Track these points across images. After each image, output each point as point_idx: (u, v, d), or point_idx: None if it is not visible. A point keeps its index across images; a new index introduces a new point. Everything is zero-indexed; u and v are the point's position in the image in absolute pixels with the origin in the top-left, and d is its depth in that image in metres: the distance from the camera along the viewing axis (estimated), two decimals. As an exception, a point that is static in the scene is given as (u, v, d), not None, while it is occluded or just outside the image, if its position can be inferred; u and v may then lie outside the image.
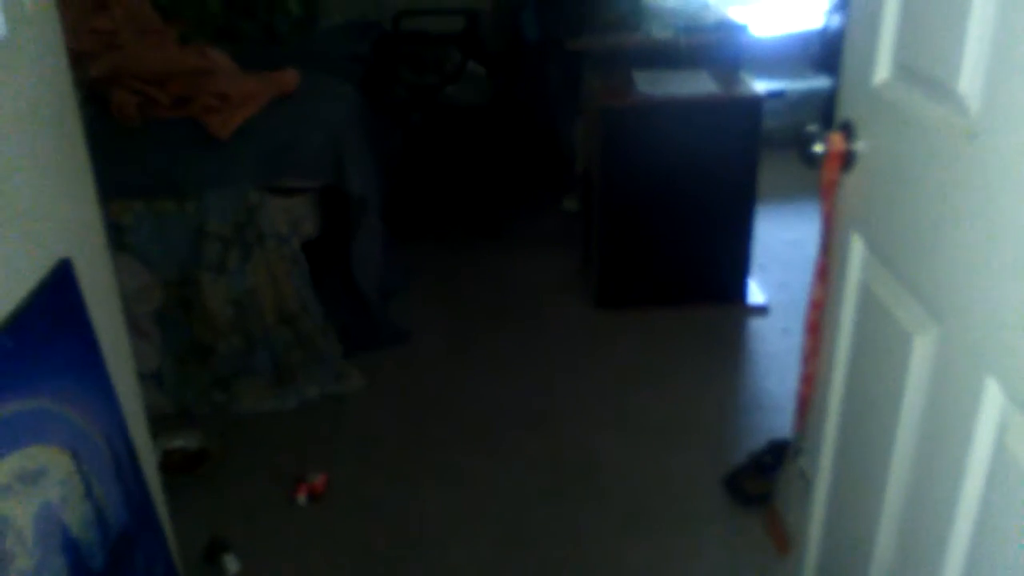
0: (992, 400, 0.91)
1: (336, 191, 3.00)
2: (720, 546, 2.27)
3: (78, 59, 2.59)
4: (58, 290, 1.27)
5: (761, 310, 3.40)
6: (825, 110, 4.50)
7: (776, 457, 2.34)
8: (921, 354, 1.07)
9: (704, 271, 3.44)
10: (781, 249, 3.82)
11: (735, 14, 4.09)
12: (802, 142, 1.28)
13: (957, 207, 0.97)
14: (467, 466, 2.60)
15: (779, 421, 2.68)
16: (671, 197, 3.30)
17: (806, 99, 4.83)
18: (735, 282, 3.44)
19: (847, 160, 1.27)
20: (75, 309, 1.32)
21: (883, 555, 1.23)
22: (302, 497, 2.45)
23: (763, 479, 2.34)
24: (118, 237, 2.70)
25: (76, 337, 1.32)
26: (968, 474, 0.95)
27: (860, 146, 1.25)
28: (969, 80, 0.95)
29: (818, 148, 1.27)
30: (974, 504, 0.95)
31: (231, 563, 2.21)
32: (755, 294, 3.47)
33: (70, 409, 1.23)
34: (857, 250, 1.29)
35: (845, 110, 1.32)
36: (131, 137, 2.80)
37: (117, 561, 1.33)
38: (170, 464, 2.49)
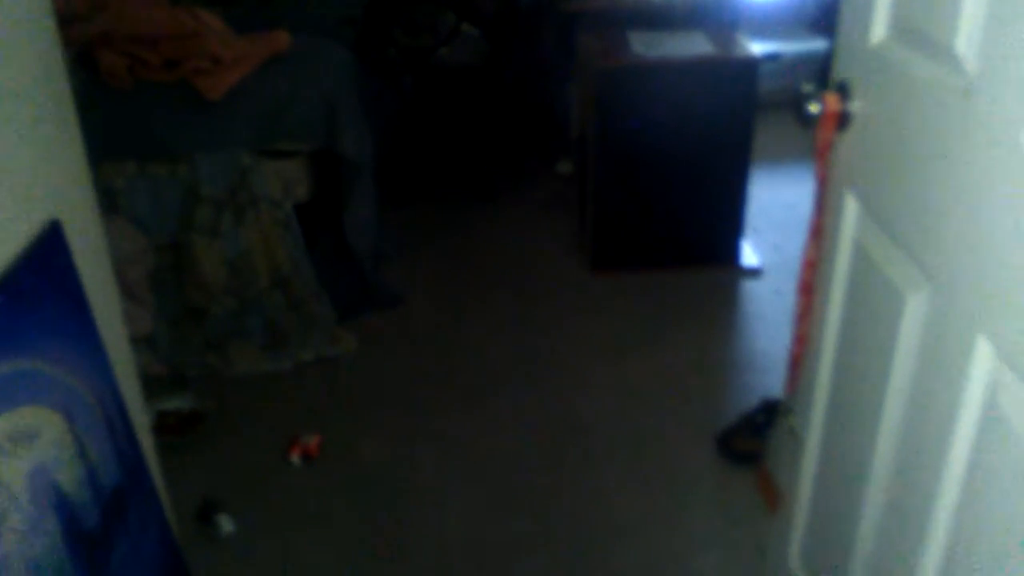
0: (983, 358, 0.91)
1: (329, 154, 2.98)
2: (712, 504, 2.29)
3: (68, 20, 2.56)
4: (48, 252, 1.26)
5: (754, 272, 3.41)
6: (821, 72, 4.50)
7: (768, 416, 2.36)
8: (913, 313, 1.08)
9: (698, 233, 3.44)
10: (775, 211, 3.82)
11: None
12: (798, 102, 1.27)
13: (952, 166, 0.97)
14: (460, 427, 2.62)
15: (771, 381, 2.69)
16: (666, 159, 3.28)
17: (802, 61, 4.79)
18: (729, 244, 3.44)
19: (842, 120, 1.26)
20: (65, 270, 1.32)
21: (872, 513, 1.24)
22: (296, 458, 2.46)
23: (755, 438, 2.36)
24: (110, 200, 2.69)
25: (67, 298, 1.31)
26: (958, 432, 0.96)
27: (855, 106, 1.25)
28: (966, 39, 0.94)
29: (813, 108, 1.26)
30: (963, 462, 0.96)
31: (225, 523, 2.23)
32: (748, 256, 3.47)
33: (61, 370, 1.23)
34: (851, 210, 1.29)
35: (841, 70, 1.31)
36: (122, 99, 2.77)
37: (110, 521, 1.33)
38: (164, 426, 2.50)
